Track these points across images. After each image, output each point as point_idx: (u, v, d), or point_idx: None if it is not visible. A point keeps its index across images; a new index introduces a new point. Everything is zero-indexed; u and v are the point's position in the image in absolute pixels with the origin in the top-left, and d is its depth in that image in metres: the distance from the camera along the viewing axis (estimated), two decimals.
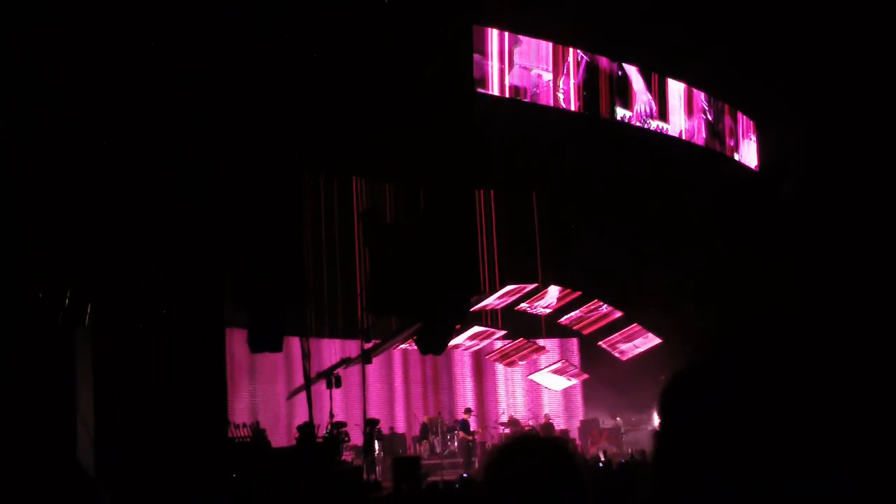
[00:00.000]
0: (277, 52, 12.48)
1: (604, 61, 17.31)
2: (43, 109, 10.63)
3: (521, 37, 16.18)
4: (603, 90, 17.19)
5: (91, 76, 10.95)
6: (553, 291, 20.66)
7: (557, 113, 16.64)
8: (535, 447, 2.58)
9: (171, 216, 11.67)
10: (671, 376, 1.49)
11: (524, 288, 20.54)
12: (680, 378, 1.46)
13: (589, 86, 16.92)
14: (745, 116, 20.67)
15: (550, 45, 16.51)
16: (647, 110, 17.94)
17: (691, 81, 19.03)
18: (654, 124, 18.15)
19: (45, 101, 10.63)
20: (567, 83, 16.60)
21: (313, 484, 12.15)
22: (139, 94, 11.31)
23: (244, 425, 14.11)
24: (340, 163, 18.05)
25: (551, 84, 16.43)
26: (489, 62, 15.75)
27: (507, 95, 16.08)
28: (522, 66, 16.07)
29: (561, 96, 16.56)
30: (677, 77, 18.69)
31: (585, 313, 21.35)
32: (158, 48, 11.34)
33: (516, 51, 16.11)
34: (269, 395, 19.98)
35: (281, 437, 17.21)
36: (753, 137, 21.00)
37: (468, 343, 21.56)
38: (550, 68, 16.41)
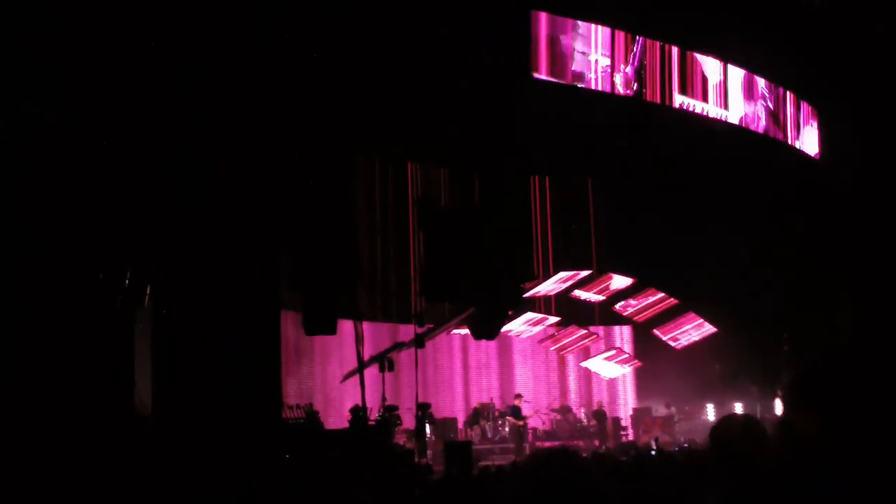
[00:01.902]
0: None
1: (665, 47, 17.09)
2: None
3: (578, 21, 16.04)
4: (663, 76, 16.98)
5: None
6: (610, 279, 20.52)
7: (614, 98, 16.48)
8: (557, 467, 2.59)
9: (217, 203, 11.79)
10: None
11: (578, 275, 20.44)
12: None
13: (646, 70, 16.73)
14: (806, 103, 20.30)
15: (608, 29, 16.34)
16: (709, 97, 17.70)
17: (752, 68, 18.72)
18: (719, 113, 17.88)
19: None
20: (625, 68, 16.44)
21: (365, 465, 12.25)
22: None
23: (298, 406, 14.28)
24: (394, 148, 18.08)
25: (608, 69, 16.27)
26: (542, 46, 15.65)
27: (564, 81, 15.95)
28: (580, 51, 15.94)
29: (618, 81, 16.40)
30: (738, 63, 18.41)
31: (640, 301, 21.20)
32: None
33: (574, 35, 15.97)
34: (323, 377, 20.16)
35: (334, 420, 17.36)
36: (815, 124, 20.62)
37: (521, 329, 21.54)
38: (608, 53, 16.25)
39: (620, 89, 16.39)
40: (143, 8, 11.33)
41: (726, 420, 3.93)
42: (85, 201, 10.87)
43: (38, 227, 10.54)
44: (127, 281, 11.42)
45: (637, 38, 16.59)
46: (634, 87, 16.54)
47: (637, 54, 16.52)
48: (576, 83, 15.93)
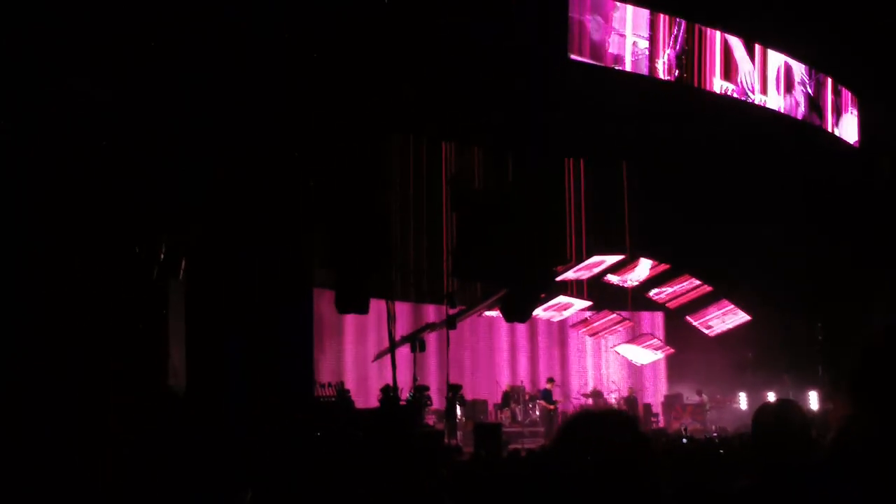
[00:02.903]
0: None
1: (705, 31, 16.90)
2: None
3: (617, 2, 15.89)
4: (702, 60, 16.80)
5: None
6: (644, 264, 20.36)
7: (652, 82, 16.31)
8: (607, 422, 2.54)
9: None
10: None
11: (611, 259, 20.32)
12: None
13: (687, 55, 16.55)
14: (846, 89, 20.01)
15: (647, 11, 16.17)
16: (749, 83, 17.49)
17: (792, 53, 18.48)
18: (758, 98, 17.66)
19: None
20: (666, 52, 16.27)
21: (395, 444, 12.28)
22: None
23: (329, 385, 14.38)
24: (429, 127, 18.04)
25: (647, 52, 16.10)
26: (580, 28, 15.53)
27: (602, 63, 15.82)
28: (619, 33, 15.80)
29: (658, 65, 16.24)
30: (777, 48, 18.17)
31: (673, 287, 21.04)
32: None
33: (613, 17, 15.82)
34: (355, 356, 20.23)
35: (365, 398, 17.43)
36: (854, 111, 20.33)
37: (553, 312, 21.47)
38: (647, 35, 16.08)
39: (660, 73, 16.23)
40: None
41: (767, 407, 3.87)
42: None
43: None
44: (162, 255, 11.50)
45: (677, 20, 16.41)
46: (675, 73, 16.37)
47: (678, 38, 16.35)
48: (614, 66, 15.78)
